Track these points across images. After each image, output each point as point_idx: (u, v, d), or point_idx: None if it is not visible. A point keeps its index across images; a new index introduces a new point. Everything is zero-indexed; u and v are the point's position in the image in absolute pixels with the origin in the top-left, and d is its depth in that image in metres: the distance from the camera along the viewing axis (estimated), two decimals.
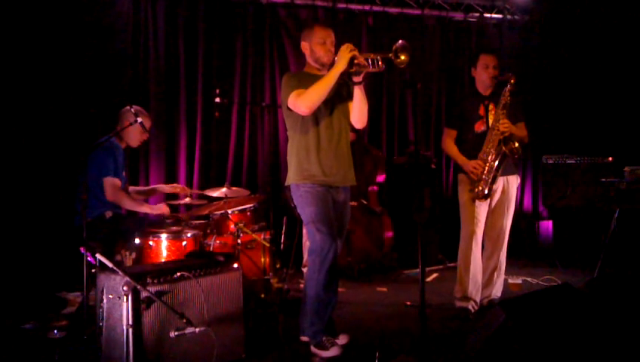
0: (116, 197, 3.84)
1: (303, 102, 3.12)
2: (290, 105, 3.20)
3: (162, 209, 4.01)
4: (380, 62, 3.06)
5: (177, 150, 5.52)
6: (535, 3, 6.43)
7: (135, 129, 3.92)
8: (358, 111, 3.31)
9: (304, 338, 3.34)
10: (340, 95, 3.32)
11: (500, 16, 6.54)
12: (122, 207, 3.93)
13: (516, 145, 3.77)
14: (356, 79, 3.18)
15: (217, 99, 4.64)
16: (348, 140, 3.42)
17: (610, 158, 5.53)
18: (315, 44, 3.28)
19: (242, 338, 3.08)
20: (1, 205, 4.48)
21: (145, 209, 3.97)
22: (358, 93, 3.24)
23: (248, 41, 5.73)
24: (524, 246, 6.03)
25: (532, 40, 6.52)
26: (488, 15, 6.50)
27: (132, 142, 4.09)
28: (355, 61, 3.05)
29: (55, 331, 3.36)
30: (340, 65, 3.04)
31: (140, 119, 3.78)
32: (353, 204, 4.89)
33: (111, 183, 3.83)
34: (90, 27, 5.02)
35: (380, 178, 5.62)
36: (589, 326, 2.70)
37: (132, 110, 3.85)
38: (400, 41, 2.99)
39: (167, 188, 4.51)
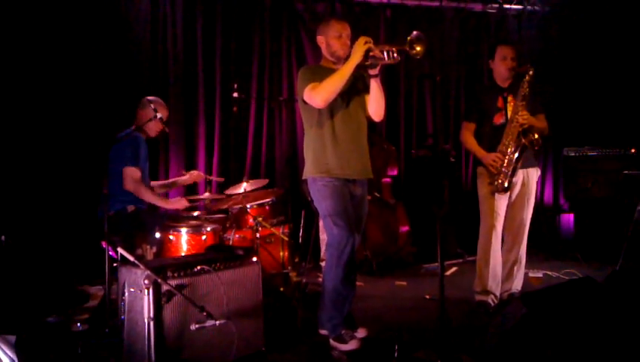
0: (135, 187, 3.84)
1: (318, 95, 3.12)
2: (305, 99, 3.20)
3: (179, 203, 4.01)
4: (395, 54, 3.03)
5: (196, 145, 5.56)
6: None
7: (154, 121, 3.96)
8: (375, 104, 3.30)
9: (323, 332, 3.36)
10: (356, 88, 3.32)
11: (519, 6, 6.45)
12: (140, 198, 3.94)
13: (536, 136, 3.73)
14: (372, 72, 3.17)
15: (235, 94, 4.66)
16: (365, 133, 3.41)
17: (633, 150, 5.44)
18: (331, 38, 3.27)
19: (262, 332, 3.10)
20: (25, 198, 4.55)
21: (162, 203, 3.99)
22: (375, 86, 3.23)
23: (266, 34, 5.74)
24: (545, 240, 5.97)
25: (552, 30, 6.43)
26: (508, 6, 6.41)
27: (151, 133, 4.12)
28: (371, 53, 3.03)
29: (78, 324, 3.41)
30: (355, 57, 3.03)
31: (159, 115, 3.81)
32: (367, 197, 4.89)
33: (130, 173, 3.83)
34: (109, 22, 5.09)
35: (393, 171, 5.60)
36: (610, 320, 2.67)
37: (152, 105, 3.88)
38: (414, 32, 2.96)
39: (185, 178, 4.50)
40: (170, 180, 4.69)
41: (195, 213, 4.42)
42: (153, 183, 4.43)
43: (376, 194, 5.33)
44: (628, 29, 5.91)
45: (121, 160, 3.83)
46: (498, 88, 3.97)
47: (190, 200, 4.69)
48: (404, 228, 5.44)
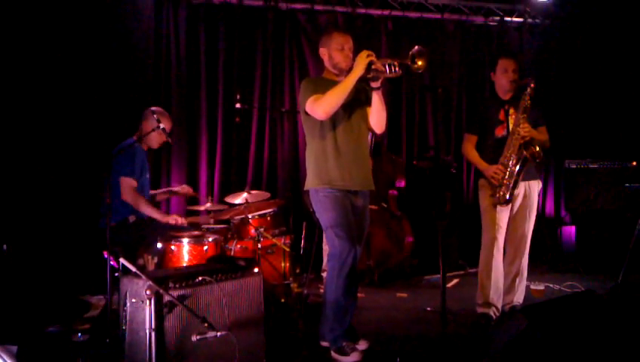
0: (131, 197, 3.85)
1: (320, 107, 3.14)
2: (307, 110, 3.22)
3: (173, 219, 3.94)
4: (397, 68, 3.06)
5: (198, 155, 5.58)
6: (556, 6, 6.38)
7: (156, 132, 3.97)
8: (376, 116, 3.32)
9: (324, 344, 3.35)
10: (358, 100, 3.33)
11: (520, 19, 6.50)
12: (136, 208, 3.91)
13: (537, 149, 3.74)
14: (374, 84, 3.18)
15: (238, 105, 4.68)
16: (367, 145, 3.44)
17: (634, 163, 5.45)
18: (334, 50, 3.30)
19: (263, 343, 3.08)
20: (26, 208, 4.56)
21: (156, 215, 3.94)
22: (377, 99, 3.25)
23: (268, 46, 5.78)
24: (547, 252, 5.96)
25: (553, 43, 6.46)
26: (509, 19, 6.45)
27: (153, 145, 4.12)
28: (373, 67, 3.06)
29: (79, 334, 3.40)
30: (358, 70, 3.05)
31: (162, 125, 3.82)
32: (374, 207, 4.89)
33: (127, 183, 3.85)
34: (113, 34, 5.12)
35: (400, 183, 5.61)
36: (612, 334, 2.66)
37: (155, 116, 3.89)
38: (416, 47, 2.99)
39: (177, 189, 4.56)
40: (166, 189, 4.71)
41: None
42: (152, 192, 4.44)
43: (383, 204, 5.34)
44: (629, 42, 5.94)
45: (117, 170, 3.85)
46: (499, 100, 3.98)
47: (190, 212, 4.72)
48: (409, 239, 5.45)
